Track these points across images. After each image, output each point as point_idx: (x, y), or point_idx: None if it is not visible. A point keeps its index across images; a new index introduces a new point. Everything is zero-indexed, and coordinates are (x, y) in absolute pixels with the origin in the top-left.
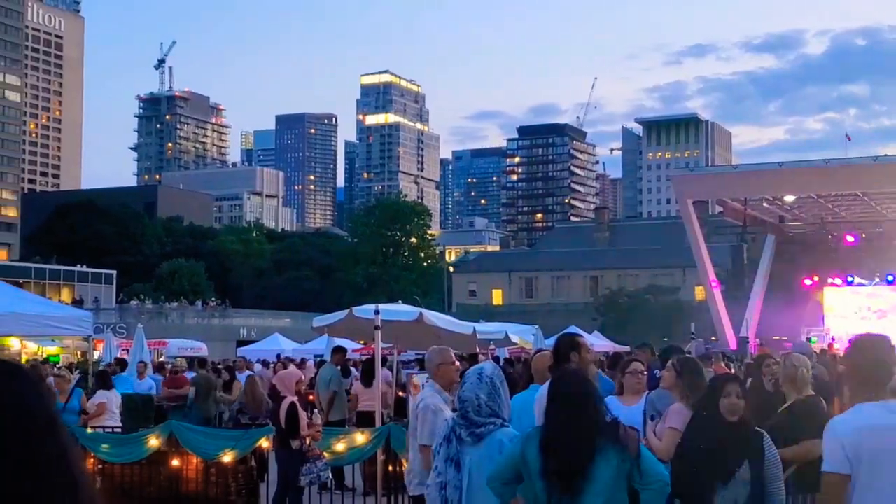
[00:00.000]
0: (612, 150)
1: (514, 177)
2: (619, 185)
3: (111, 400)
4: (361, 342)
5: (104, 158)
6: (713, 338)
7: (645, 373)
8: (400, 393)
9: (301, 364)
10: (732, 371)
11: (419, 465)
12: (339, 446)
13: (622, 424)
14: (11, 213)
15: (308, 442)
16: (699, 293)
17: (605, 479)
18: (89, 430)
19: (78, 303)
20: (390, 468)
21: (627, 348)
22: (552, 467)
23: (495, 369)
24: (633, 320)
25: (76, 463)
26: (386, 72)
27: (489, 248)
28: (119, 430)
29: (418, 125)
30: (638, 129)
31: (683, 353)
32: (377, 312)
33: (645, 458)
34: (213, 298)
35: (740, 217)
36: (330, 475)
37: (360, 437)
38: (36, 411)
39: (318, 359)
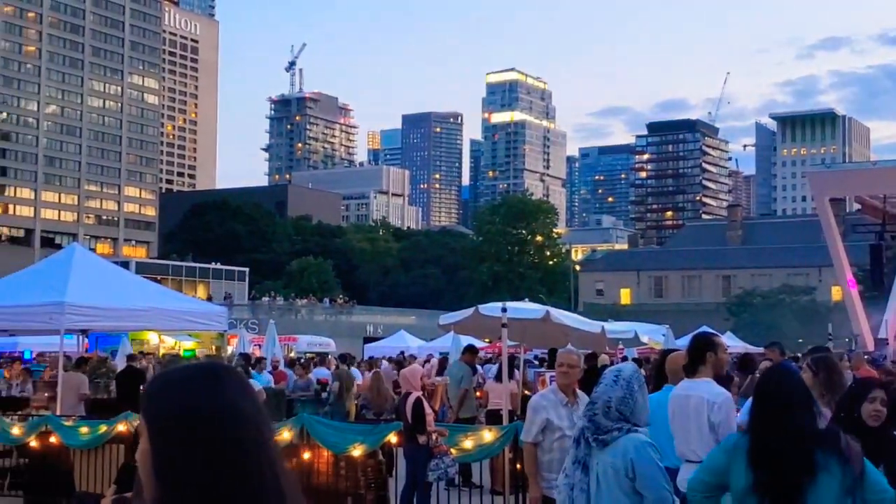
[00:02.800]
0: (744, 146)
1: (644, 174)
2: (752, 182)
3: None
4: (487, 340)
5: (237, 159)
6: (853, 338)
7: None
8: (526, 391)
9: (426, 362)
10: (877, 374)
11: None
12: (467, 443)
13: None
14: (150, 212)
15: (435, 437)
16: (836, 293)
17: (828, 498)
18: None
19: (211, 299)
20: (518, 466)
21: (761, 350)
22: (765, 481)
23: (635, 372)
24: (767, 321)
25: (283, 471)
26: (512, 69)
27: (617, 247)
28: None
29: (544, 122)
30: (772, 124)
31: (827, 353)
32: (504, 310)
33: (870, 473)
34: (340, 295)
35: (879, 215)
36: (457, 472)
37: (489, 435)
38: (247, 417)
39: (443, 356)
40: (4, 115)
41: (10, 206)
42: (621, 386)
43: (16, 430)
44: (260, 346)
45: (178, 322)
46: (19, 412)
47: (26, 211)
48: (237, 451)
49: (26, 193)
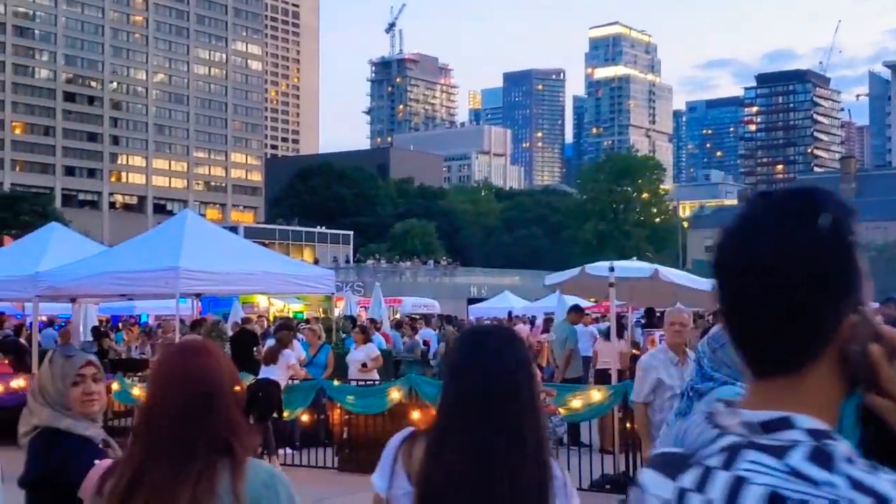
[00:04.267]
0: (857, 96)
1: (753, 127)
2: (865, 133)
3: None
4: (592, 300)
5: (339, 122)
6: None
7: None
8: (634, 351)
9: (530, 322)
10: None
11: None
12: (575, 403)
13: None
14: (256, 177)
15: (543, 397)
16: None
17: None
18: (336, 383)
19: (317, 263)
20: (627, 426)
21: (876, 305)
22: (871, 438)
23: None
24: (882, 275)
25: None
26: (615, 23)
27: (726, 202)
28: (370, 382)
29: (649, 76)
30: (886, 73)
31: None
32: (612, 269)
33: None
34: (444, 257)
35: None
36: (566, 431)
37: (597, 394)
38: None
39: (547, 316)
40: (115, 84)
41: (124, 175)
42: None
43: (136, 391)
44: (366, 308)
45: (287, 285)
46: (139, 373)
47: (139, 179)
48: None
49: (138, 161)
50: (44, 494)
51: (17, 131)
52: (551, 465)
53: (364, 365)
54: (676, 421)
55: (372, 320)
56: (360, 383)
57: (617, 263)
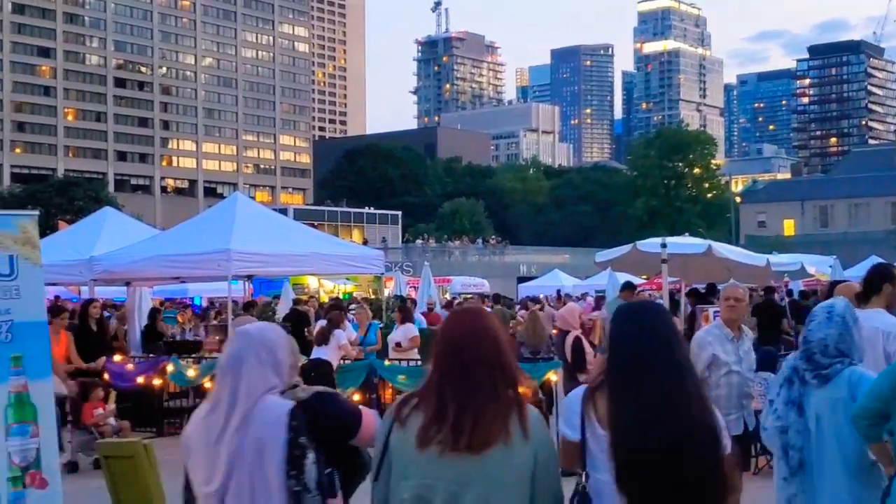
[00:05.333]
0: None
1: (805, 99)
2: None
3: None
4: (644, 277)
5: (386, 103)
6: None
7: None
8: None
9: (580, 299)
10: None
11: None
12: None
13: None
14: (305, 159)
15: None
16: None
17: None
18: (387, 363)
19: (366, 243)
20: None
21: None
22: None
23: (847, 307)
24: None
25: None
26: None
27: (779, 177)
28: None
29: (699, 50)
30: None
31: None
32: (664, 246)
33: None
34: (493, 236)
35: None
36: None
37: None
38: None
39: (598, 294)
40: (164, 69)
41: (175, 159)
42: (836, 323)
43: (191, 373)
44: (415, 288)
45: (338, 266)
46: (193, 355)
47: (189, 163)
48: None
49: (188, 145)
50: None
51: (70, 118)
52: (709, 400)
53: (398, 344)
54: (788, 410)
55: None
56: (400, 363)
57: (669, 239)
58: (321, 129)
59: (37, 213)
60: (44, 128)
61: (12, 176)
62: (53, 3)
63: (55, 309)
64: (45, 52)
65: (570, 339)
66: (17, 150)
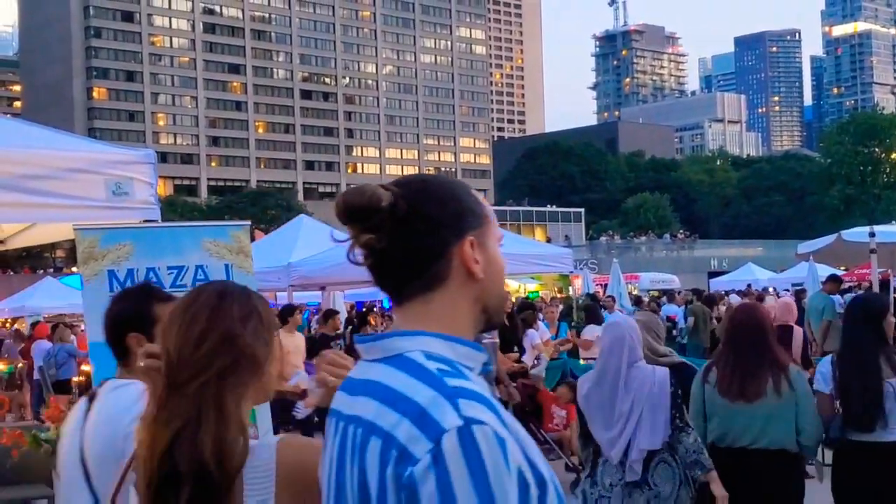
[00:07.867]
0: None
1: None
2: None
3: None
4: (842, 268)
5: (564, 100)
6: None
7: None
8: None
9: (775, 293)
10: None
11: None
12: None
13: None
14: (485, 160)
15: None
16: None
17: None
18: (582, 362)
19: (550, 241)
20: None
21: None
22: None
23: None
24: None
25: None
26: None
27: None
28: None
29: (892, 30)
30: None
31: None
32: (872, 234)
33: None
34: (680, 230)
35: None
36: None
37: None
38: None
39: (796, 287)
40: (347, 79)
41: (359, 165)
42: None
43: None
44: (602, 285)
45: (528, 266)
46: None
47: (373, 169)
48: None
49: (372, 152)
50: None
51: (261, 130)
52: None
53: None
54: None
55: (611, 297)
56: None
57: (878, 228)
58: (500, 129)
59: (248, 223)
60: (236, 141)
61: (209, 188)
62: (242, 21)
63: (288, 309)
64: (236, 69)
65: (797, 333)
66: (213, 164)
